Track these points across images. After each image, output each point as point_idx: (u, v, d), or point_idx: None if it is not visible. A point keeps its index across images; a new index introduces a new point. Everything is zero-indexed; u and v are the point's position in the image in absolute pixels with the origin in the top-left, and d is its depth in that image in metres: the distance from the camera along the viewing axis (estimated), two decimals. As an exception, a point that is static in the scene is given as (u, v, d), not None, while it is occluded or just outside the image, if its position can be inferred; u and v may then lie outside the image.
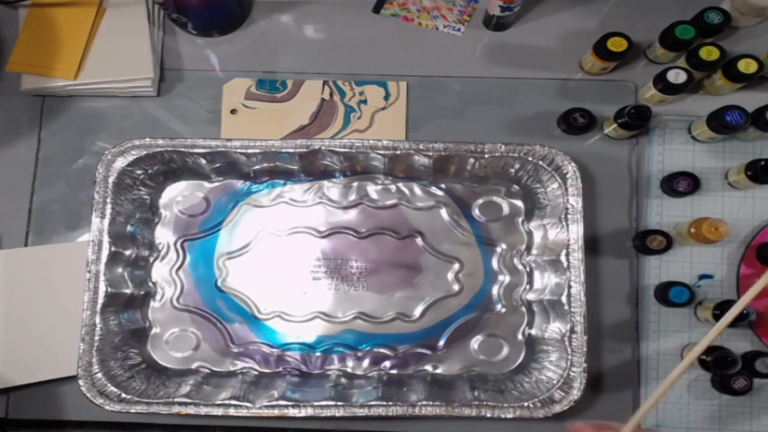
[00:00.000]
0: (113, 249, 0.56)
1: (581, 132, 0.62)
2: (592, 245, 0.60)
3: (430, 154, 0.57)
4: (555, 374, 0.55)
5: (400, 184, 0.62)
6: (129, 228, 0.59)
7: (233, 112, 0.63)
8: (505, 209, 0.62)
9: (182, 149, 0.57)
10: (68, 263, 0.58)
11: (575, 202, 0.56)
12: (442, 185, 0.62)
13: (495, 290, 0.60)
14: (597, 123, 0.62)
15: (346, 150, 0.57)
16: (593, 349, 0.58)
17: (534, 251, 0.60)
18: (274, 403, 0.53)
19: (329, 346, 0.60)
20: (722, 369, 0.55)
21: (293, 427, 0.58)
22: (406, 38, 0.65)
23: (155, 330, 0.60)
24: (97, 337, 0.55)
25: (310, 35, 0.66)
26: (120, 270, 0.58)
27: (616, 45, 0.59)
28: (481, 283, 0.60)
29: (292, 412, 0.53)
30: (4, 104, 0.64)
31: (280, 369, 0.59)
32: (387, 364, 0.59)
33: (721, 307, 0.56)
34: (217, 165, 0.60)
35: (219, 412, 0.53)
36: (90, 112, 0.63)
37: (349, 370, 0.59)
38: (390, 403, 0.53)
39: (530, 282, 0.60)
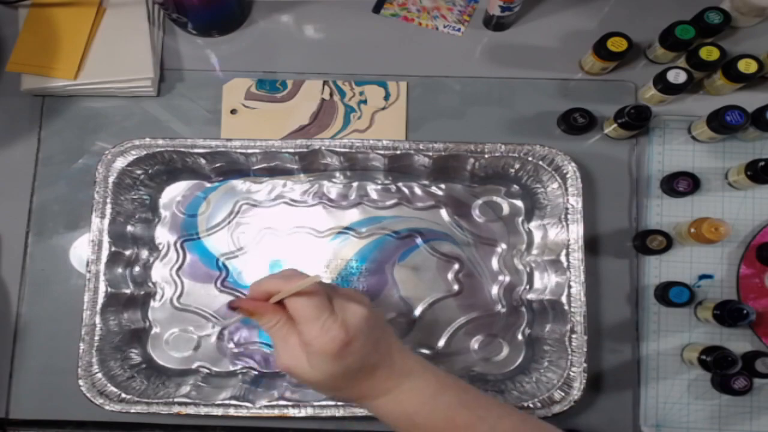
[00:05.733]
0: (113, 249, 0.56)
1: (581, 132, 0.62)
2: (592, 245, 0.60)
3: (430, 154, 0.57)
4: (555, 374, 0.55)
5: (400, 184, 0.62)
6: (129, 228, 0.59)
7: (233, 112, 0.63)
8: (505, 209, 0.62)
9: (182, 149, 0.57)
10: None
11: (575, 202, 0.56)
12: (442, 185, 0.62)
13: (495, 290, 0.60)
14: (597, 123, 0.62)
15: (346, 150, 0.57)
16: (593, 349, 0.58)
17: (534, 251, 0.60)
18: (274, 403, 0.53)
19: (329, 346, 0.60)
20: (722, 369, 0.55)
21: (293, 427, 0.58)
22: (406, 38, 0.65)
23: (155, 330, 0.60)
24: (97, 337, 0.55)
25: (310, 35, 0.66)
26: (120, 270, 0.58)
27: (616, 45, 0.59)
28: (481, 283, 0.60)
29: (292, 412, 0.53)
30: (4, 104, 0.64)
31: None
32: (387, 364, 0.59)
33: (721, 307, 0.56)
34: (217, 165, 0.60)
35: (219, 412, 0.53)
36: (90, 112, 0.63)
37: (349, 370, 0.59)
38: (390, 403, 0.53)
39: (530, 282, 0.60)
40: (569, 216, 0.56)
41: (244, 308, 0.40)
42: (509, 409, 0.42)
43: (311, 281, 0.38)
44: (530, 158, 0.57)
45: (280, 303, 0.39)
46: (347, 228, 0.61)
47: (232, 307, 0.40)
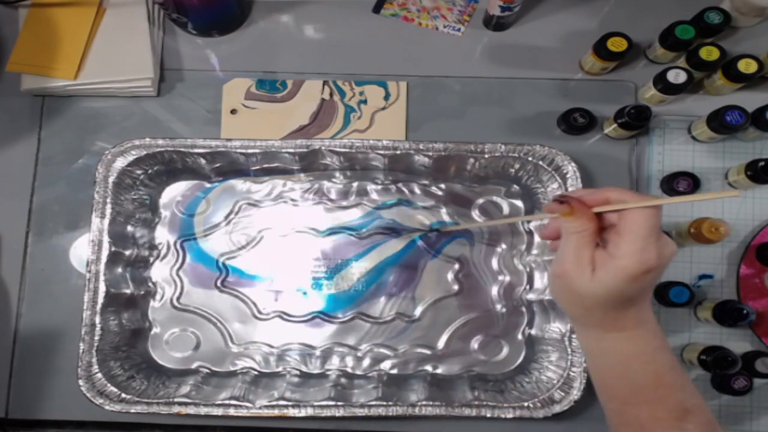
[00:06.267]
0: (113, 249, 0.56)
1: (581, 132, 0.62)
2: (592, 245, 0.60)
3: (430, 154, 0.57)
4: (555, 374, 0.55)
5: (400, 184, 0.62)
6: (129, 228, 0.59)
7: (233, 112, 0.63)
8: (505, 209, 0.62)
9: (182, 149, 0.57)
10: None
11: (575, 202, 0.56)
12: (442, 185, 0.62)
13: (495, 290, 0.60)
14: (597, 123, 0.62)
15: (346, 150, 0.57)
16: (593, 349, 0.58)
17: (534, 251, 0.60)
18: (274, 403, 0.53)
19: (329, 346, 0.60)
20: (722, 369, 0.55)
21: (293, 427, 0.58)
22: (406, 38, 0.65)
23: (155, 330, 0.60)
24: (97, 337, 0.55)
25: (310, 35, 0.66)
26: (120, 270, 0.58)
27: (616, 45, 0.59)
28: (481, 283, 0.60)
29: (292, 412, 0.53)
30: (4, 104, 0.64)
31: (280, 369, 0.59)
32: (387, 364, 0.59)
33: (721, 307, 0.56)
34: (217, 165, 0.60)
35: (219, 412, 0.53)
36: (90, 112, 0.63)
37: (349, 370, 0.59)
38: (390, 403, 0.53)
39: (530, 282, 0.60)
40: (569, 216, 0.56)
41: (573, 205, 0.39)
42: (699, 393, 0.43)
43: (725, 195, 0.37)
44: (530, 158, 0.57)
45: (597, 215, 0.39)
46: (347, 228, 0.61)
47: (560, 200, 0.40)
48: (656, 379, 0.41)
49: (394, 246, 0.61)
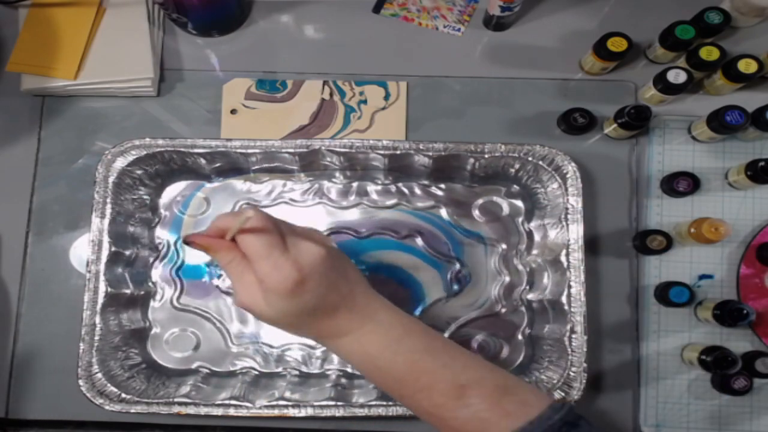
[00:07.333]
0: (113, 249, 0.56)
1: (581, 132, 0.62)
2: (592, 245, 0.60)
3: (430, 154, 0.57)
4: (555, 374, 0.55)
5: (400, 184, 0.62)
6: (129, 228, 0.59)
7: (233, 112, 0.63)
8: (505, 209, 0.62)
9: (182, 149, 0.57)
10: None
11: (575, 202, 0.56)
12: (442, 185, 0.62)
13: (495, 290, 0.60)
14: (597, 123, 0.62)
15: (346, 150, 0.57)
16: (593, 349, 0.58)
17: (534, 251, 0.60)
18: (274, 403, 0.53)
19: (329, 346, 0.60)
20: (722, 369, 0.55)
21: (293, 427, 0.58)
22: (406, 38, 0.65)
23: (155, 330, 0.60)
24: (97, 337, 0.55)
25: (310, 35, 0.66)
26: (120, 270, 0.58)
27: (616, 45, 0.59)
28: (481, 283, 0.60)
29: (292, 412, 0.53)
30: (4, 104, 0.64)
31: (280, 369, 0.59)
32: (387, 364, 0.59)
33: (721, 307, 0.56)
34: (217, 165, 0.60)
35: (219, 412, 0.53)
36: (90, 112, 0.63)
37: (349, 370, 0.59)
38: (390, 403, 0.53)
39: (530, 282, 0.60)
40: (569, 216, 0.56)
41: (198, 243, 0.39)
42: (479, 360, 0.41)
43: (244, 218, 0.37)
44: (530, 158, 0.57)
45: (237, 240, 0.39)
46: (347, 228, 0.61)
47: (185, 241, 0.39)
48: (411, 368, 0.39)
49: (393, 246, 0.61)
